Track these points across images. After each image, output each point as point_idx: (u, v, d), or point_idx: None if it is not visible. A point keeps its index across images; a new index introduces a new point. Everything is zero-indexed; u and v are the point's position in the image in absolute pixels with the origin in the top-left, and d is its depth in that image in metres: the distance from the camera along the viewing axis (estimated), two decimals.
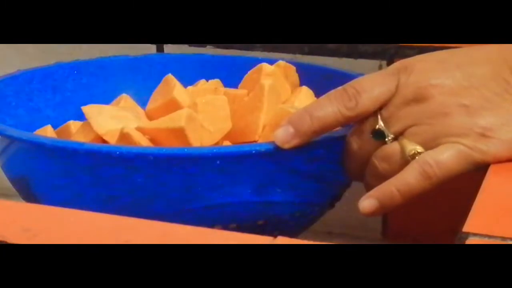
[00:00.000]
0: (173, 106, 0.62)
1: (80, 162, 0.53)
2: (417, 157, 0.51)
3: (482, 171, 0.49)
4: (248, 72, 0.67)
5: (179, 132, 0.57)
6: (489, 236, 0.39)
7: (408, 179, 0.51)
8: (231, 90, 0.66)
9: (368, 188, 0.54)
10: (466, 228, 0.40)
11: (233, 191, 0.54)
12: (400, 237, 0.78)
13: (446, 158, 0.50)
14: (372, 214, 0.52)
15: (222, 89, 0.68)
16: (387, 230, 0.79)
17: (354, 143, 0.54)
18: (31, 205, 0.45)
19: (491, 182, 0.47)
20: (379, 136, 0.52)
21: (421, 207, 0.68)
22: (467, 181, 0.49)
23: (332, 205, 0.60)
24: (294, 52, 0.78)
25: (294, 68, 0.68)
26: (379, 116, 0.52)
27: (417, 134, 0.51)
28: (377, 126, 0.52)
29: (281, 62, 0.68)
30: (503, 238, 0.39)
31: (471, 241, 0.39)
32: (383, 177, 0.52)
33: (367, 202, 0.52)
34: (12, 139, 0.55)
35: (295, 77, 0.68)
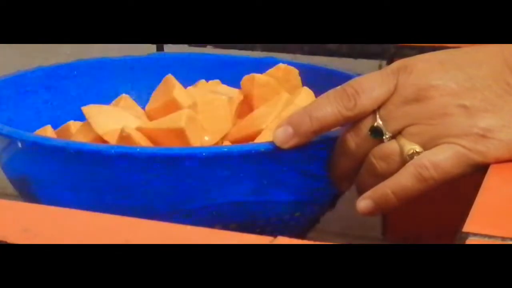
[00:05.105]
0: (173, 106, 0.62)
1: (80, 162, 0.53)
2: (414, 158, 0.50)
3: (482, 172, 0.49)
4: (247, 75, 0.66)
5: (179, 133, 0.57)
6: (489, 236, 0.39)
7: (403, 182, 0.51)
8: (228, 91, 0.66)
9: (362, 187, 0.54)
10: (466, 228, 0.40)
11: (233, 191, 0.54)
12: (400, 237, 0.78)
13: (442, 159, 0.50)
14: (369, 214, 0.53)
15: (222, 88, 0.67)
16: (387, 230, 0.79)
17: (351, 141, 0.53)
18: (31, 205, 0.45)
19: (491, 182, 0.47)
20: (377, 134, 0.52)
21: (421, 207, 0.68)
22: (467, 181, 0.49)
23: (332, 205, 0.60)
24: (294, 52, 0.77)
25: (296, 71, 0.66)
26: (377, 114, 0.52)
27: (416, 134, 0.51)
28: (375, 124, 0.52)
29: (281, 65, 0.65)
30: (503, 238, 0.39)
31: (471, 241, 0.39)
32: (381, 176, 0.52)
33: (363, 203, 0.52)
34: (12, 139, 0.55)
35: (296, 80, 0.66)
